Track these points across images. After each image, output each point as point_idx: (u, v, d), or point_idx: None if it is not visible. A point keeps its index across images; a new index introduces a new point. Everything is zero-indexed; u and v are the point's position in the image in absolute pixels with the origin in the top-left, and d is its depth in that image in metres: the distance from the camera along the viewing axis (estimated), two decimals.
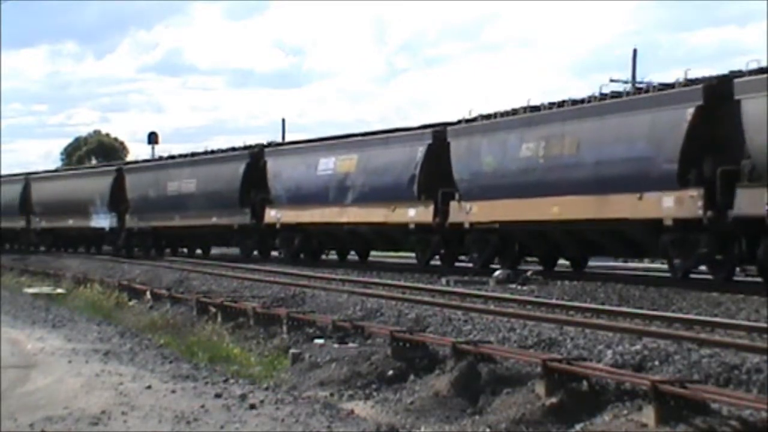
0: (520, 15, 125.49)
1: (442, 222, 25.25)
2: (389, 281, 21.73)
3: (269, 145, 34.74)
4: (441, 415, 10.56)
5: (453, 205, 25.06)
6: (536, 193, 22.33)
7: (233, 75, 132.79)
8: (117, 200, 40.95)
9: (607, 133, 20.92)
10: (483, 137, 24.50)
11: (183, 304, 20.92)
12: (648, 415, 8.70)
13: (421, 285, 20.83)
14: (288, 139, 45.59)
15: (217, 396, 11.24)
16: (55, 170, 55.86)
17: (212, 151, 37.11)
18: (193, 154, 38.35)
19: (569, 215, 21.54)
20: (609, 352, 10.85)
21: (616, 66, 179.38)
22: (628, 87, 32.95)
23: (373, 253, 32.20)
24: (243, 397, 11.20)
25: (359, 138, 29.78)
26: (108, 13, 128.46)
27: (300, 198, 30.78)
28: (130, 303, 23.32)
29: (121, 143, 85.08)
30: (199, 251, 39.61)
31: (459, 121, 25.72)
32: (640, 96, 20.95)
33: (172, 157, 39.95)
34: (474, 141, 24.77)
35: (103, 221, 41.52)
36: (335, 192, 29.20)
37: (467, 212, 24.50)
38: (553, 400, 9.81)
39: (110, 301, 23.63)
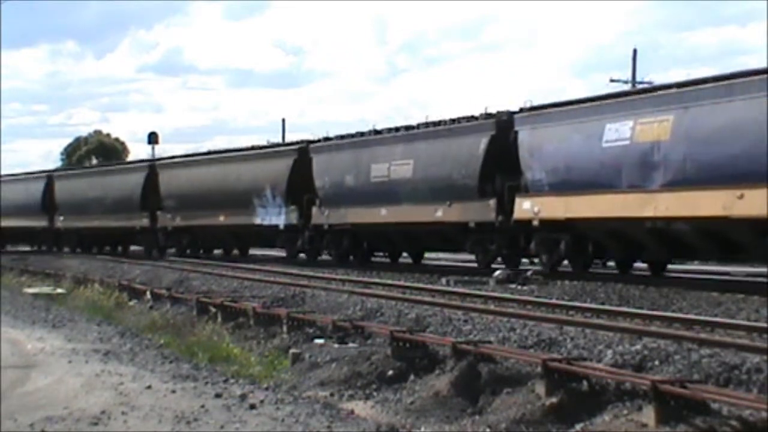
0: (520, 15, 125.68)
1: None
2: (389, 281, 21.72)
3: (521, 110, 24.33)
4: (441, 415, 10.55)
5: None
6: None
7: (233, 75, 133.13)
8: (296, 189, 31.41)
9: None
10: None
11: (183, 304, 20.90)
12: (648, 415, 8.69)
13: (421, 285, 20.83)
14: (288, 139, 40.27)
15: (217, 396, 11.25)
16: (195, 154, 42.22)
17: (436, 123, 27.21)
18: (407, 128, 28.30)
19: None
20: (609, 352, 10.85)
21: (616, 66, 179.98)
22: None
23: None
24: (243, 397, 11.21)
25: (676, 90, 19.90)
26: (108, 13, 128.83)
27: (571, 182, 21.70)
28: (130, 303, 23.31)
29: (122, 143, 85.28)
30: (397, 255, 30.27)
31: None
32: None
33: (377, 131, 29.51)
34: None
35: (275, 217, 32.20)
36: (633, 172, 20.08)
37: None
38: (553, 400, 9.81)
39: (110, 301, 23.61)
